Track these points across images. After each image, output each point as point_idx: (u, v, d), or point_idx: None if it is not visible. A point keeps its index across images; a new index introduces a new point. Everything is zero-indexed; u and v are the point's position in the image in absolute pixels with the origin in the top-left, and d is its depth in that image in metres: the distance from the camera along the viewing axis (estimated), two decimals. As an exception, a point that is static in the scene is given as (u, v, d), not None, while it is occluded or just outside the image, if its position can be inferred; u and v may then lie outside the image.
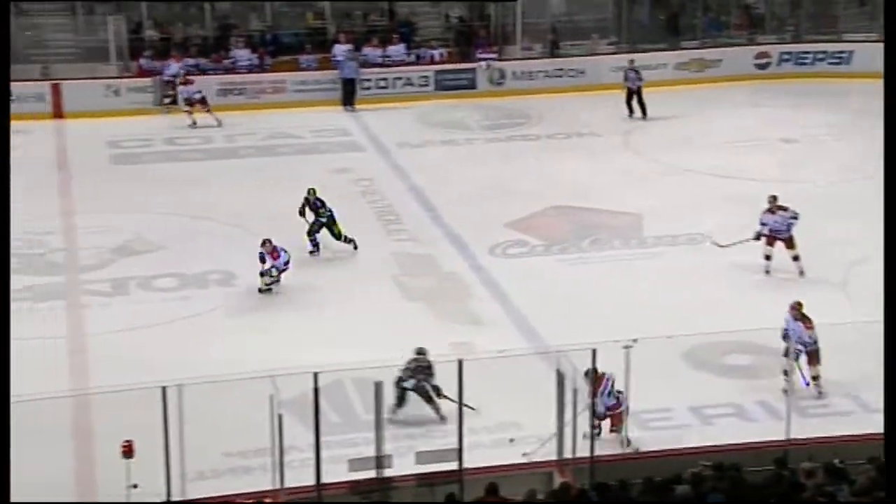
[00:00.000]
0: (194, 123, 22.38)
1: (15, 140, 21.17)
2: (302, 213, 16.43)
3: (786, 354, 12.06)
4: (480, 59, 25.19)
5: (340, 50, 24.61)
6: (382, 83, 24.60)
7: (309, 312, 14.64)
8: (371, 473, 9.40)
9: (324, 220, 16.40)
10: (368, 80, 24.29)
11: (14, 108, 22.47)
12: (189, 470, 9.51)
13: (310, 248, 16.26)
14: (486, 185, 19.34)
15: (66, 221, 17.74)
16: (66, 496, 10.15)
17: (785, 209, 15.41)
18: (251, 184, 19.58)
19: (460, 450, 9.53)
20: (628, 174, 20.02)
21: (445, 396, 11.27)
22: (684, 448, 10.76)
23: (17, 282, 15.38)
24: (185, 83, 22.63)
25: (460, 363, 9.55)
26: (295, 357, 12.29)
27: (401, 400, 11.74)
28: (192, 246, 16.76)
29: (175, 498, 9.12)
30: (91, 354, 13.58)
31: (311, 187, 16.55)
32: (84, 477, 10.64)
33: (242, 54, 24.58)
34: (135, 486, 9.63)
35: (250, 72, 24.39)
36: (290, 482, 9.51)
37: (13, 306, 14.57)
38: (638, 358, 10.36)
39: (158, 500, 9.30)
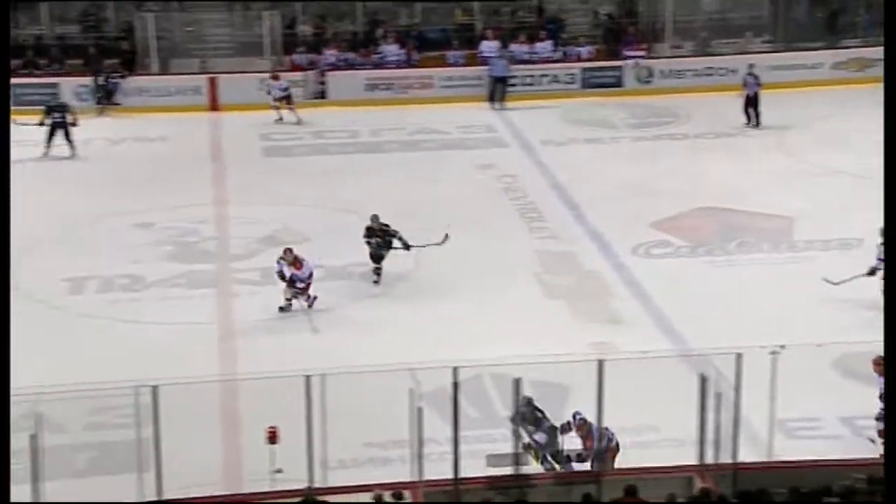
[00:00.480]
0: (280, 119, 22.62)
1: (173, 131, 22.12)
2: (370, 246, 15.41)
3: None
4: (628, 57, 24.88)
5: (487, 46, 24.65)
6: (528, 80, 24.53)
7: (449, 307, 14.70)
8: (509, 470, 9.39)
9: (379, 242, 15.34)
10: (514, 76, 24.26)
11: (174, 100, 23.34)
12: (330, 458, 9.67)
13: (374, 277, 15.45)
14: (630, 184, 19.10)
15: (219, 211, 18.25)
16: (213, 479, 10.44)
17: None
18: (396, 178, 19.79)
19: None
20: (779, 175, 19.48)
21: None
22: (834, 459, 10.41)
23: (172, 269, 15.96)
24: (275, 78, 22.93)
25: (600, 363, 9.45)
26: (435, 351, 12.37)
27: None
28: (337, 238, 17.02)
29: (317, 485, 9.28)
30: (239, 341, 13.95)
31: (374, 213, 15.57)
32: (231, 461, 10.93)
33: (391, 50, 24.84)
34: (279, 472, 9.85)
35: (398, 67, 24.65)
36: (428, 475, 9.57)
37: (169, 292, 15.21)
38: (785, 365, 10.08)
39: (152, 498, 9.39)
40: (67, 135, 20.20)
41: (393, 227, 15.35)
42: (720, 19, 26.27)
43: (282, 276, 14.31)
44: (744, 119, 22.08)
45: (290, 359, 12.71)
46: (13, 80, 22.87)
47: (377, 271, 15.37)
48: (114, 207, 18.14)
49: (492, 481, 9.44)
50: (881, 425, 10.62)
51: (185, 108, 23.12)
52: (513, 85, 24.18)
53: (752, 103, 22.02)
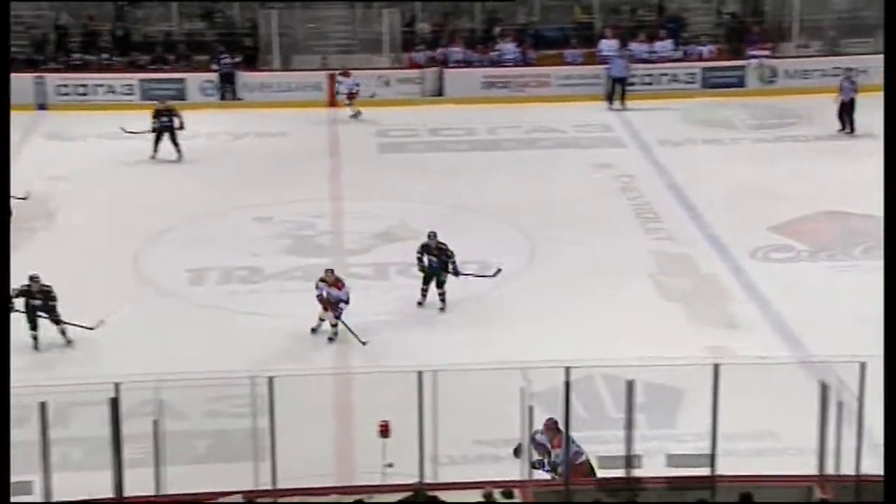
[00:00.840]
0: (358, 114, 22.75)
1: (293, 127, 22.50)
2: (420, 263, 14.61)
3: None
4: (752, 57, 24.40)
5: (606, 45, 24.45)
6: (647, 79, 24.26)
7: (562, 306, 14.63)
8: (620, 472, 9.30)
9: (432, 262, 14.53)
10: (633, 76, 24.02)
11: (294, 96, 23.74)
12: (441, 454, 9.70)
13: (419, 298, 14.71)
14: (750, 187, 18.73)
15: (335, 206, 18.49)
16: (326, 470, 10.57)
17: None
18: (511, 176, 19.77)
19: (713, 455, 9.28)
20: (907, 180, 18.84)
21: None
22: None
23: (289, 262, 16.24)
24: (345, 75, 23.00)
25: (716, 368, 9.28)
26: (547, 350, 12.33)
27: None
28: (452, 235, 17.06)
29: (428, 480, 9.32)
30: (352, 335, 14.10)
31: (431, 231, 14.91)
32: (343, 453, 11.06)
33: (509, 48, 24.84)
34: (390, 466, 9.91)
35: (515, 65, 24.62)
36: (538, 475, 9.54)
37: (286, 285, 15.47)
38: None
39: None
40: (174, 138, 20.16)
41: (450, 248, 14.55)
42: (850, 18, 25.57)
43: (320, 299, 13.70)
44: (838, 125, 21.47)
45: (402, 353, 12.82)
46: (143, 75, 23.67)
47: (424, 293, 14.60)
48: (234, 201, 18.54)
49: (602, 483, 9.36)
50: None
51: (304, 103, 23.49)
52: (631, 84, 23.93)
53: (847, 109, 21.41)
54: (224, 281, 15.63)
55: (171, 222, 17.56)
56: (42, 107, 23.29)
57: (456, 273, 14.46)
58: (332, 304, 13.71)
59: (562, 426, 9.53)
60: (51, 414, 8.94)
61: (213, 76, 23.82)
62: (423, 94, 24.04)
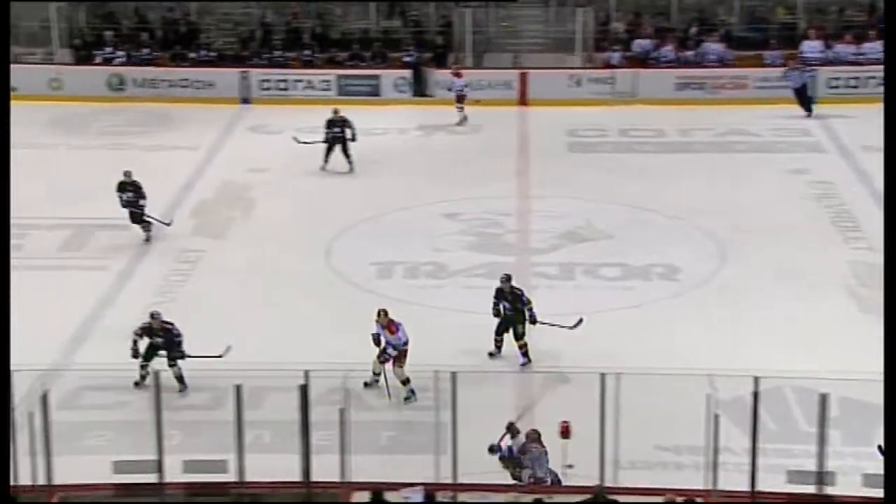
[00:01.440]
0: (464, 120, 22.42)
1: (483, 124, 22.66)
2: (495, 309, 13.29)
3: None
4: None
5: (809, 46, 23.65)
6: (853, 82, 23.33)
7: (751, 314, 14.24)
8: (810, 489, 8.99)
9: (510, 315, 13.20)
10: (837, 78, 23.14)
11: (485, 93, 23.90)
12: (622, 458, 9.61)
13: (492, 349, 13.42)
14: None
15: (522, 204, 18.52)
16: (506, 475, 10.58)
17: None
18: (702, 179, 19.37)
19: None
20: None
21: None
22: None
23: (475, 259, 16.35)
24: (457, 75, 22.73)
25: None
26: (735, 358, 12.03)
27: None
28: (639, 237, 16.88)
29: (608, 484, 9.24)
30: (535, 333, 14.08)
31: (505, 274, 13.56)
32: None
33: (713, 47, 24.31)
34: (570, 467, 9.88)
35: (713, 66, 24.07)
36: (722, 485, 9.32)
37: (471, 282, 15.59)
38: None
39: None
40: (346, 150, 19.68)
41: (527, 294, 13.22)
42: None
43: (376, 341, 12.40)
44: None
45: (585, 355, 12.73)
46: (340, 72, 24.30)
47: (498, 344, 13.27)
48: (423, 196, 18.80)
49: (792, 498, 9.07)
50: None
51: (495, 101, 23.61)
52: (835, 87, 23.06)
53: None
54: (410, 275, 15.87)
55: (361, 215, 17.94)
56: (246, 101, 24.23)
57: (533, 321, 13.04)
58: (382, 350, 12.36)
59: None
60: (245, 397, 9.29)
61: (406, 73, 24.22)
62: (614, 94, 23.80)
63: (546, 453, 10.09)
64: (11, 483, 9.17)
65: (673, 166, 20.23)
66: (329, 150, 19.80)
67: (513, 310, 13.04)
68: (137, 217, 16.60)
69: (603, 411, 9.35)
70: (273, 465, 9.80)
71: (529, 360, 13.07)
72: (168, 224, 16.86)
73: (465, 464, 9.52)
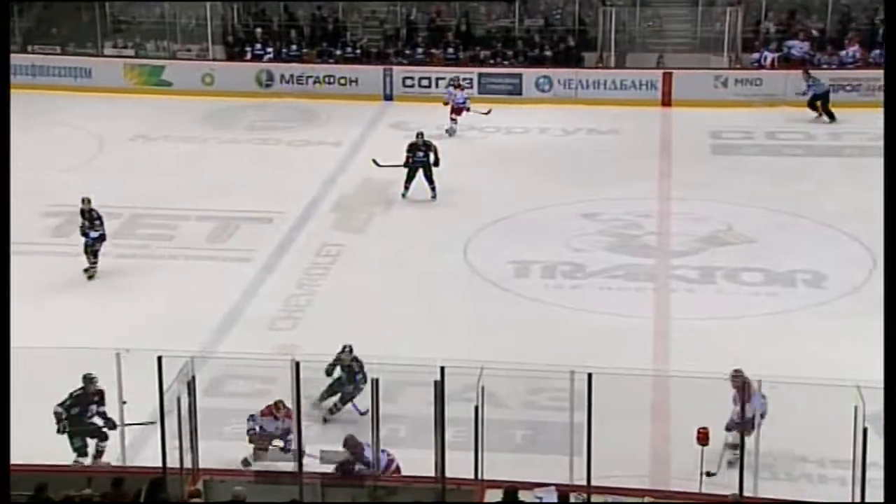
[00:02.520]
0: (452, 131, 21.69)
1: (625, 124, 22.39)
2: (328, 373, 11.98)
3: None
4: None
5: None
6: None
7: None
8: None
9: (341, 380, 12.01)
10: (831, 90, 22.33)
11: (627, 94, 23.62)
12: (762, 467, 9.35)
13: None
14: None
15: (663, 206, 18.21)
16: (640, 470, 10.43)
17: None
18: (852, 184, 18.71)
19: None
20: None
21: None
22: None
23: (613, 260, 16.15)
24: (458, 88, 22.21)
25: None
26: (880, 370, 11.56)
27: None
28: (783, 242, 16.42)
29: (748, 494, 9.01)
30: (673, 337, 13.84)
31: (346, 345, 12.08)
32: (658, 456, 10.87)
33: (850, 52, 23.51)
34: (709, 475, 9.66)
35: (859, 68, 23.24)
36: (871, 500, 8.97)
37: (609, 282, 15.41)
38: None
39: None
40: (429, 175, 18.42)
41: (366, 363, 11.89)
42: None
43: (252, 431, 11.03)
44: None
45: (723, 359, 12.43)
46: (482, 70, 24.33)
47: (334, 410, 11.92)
48: (562, 195, 18.66)
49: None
50: None
51: (637, 101, 23.32)
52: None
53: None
54: (547, 275, 15.76)
55: (499, 213, 17.92)
56: (388, 98, 24.47)
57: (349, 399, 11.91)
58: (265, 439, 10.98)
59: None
60: (381, 391, 9.36)
61: (549, 72, 24.09)
62: (761, 96, 23.21)
63: None
64: (160, 465, 9.46)
65: (822, 170, 19.63)
66: (410, 177, 18.41)
67: (347, 377, 11.93)
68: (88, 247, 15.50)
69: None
70: (407, 458, 9.85)
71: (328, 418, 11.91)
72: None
73: (599, 466, 9.39)
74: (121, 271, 15.77)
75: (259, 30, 25.84)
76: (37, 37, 26.14)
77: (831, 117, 22.00)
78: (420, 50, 25.39)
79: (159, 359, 9.55)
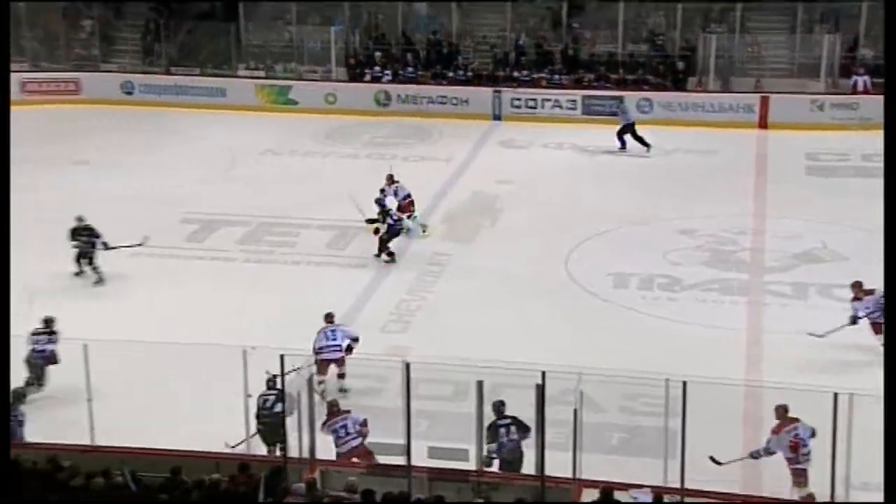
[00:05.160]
0: (419, 229, 17.59)
1: (722, 145, 22.03)
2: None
3: None
4: None
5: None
6: None
7: None
8: None
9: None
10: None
11: (725, 116, 23.24)
12: (853, 478, 9.08)
13: None
14: None
15: (757, 224, 17.85)
16: (732, 477, 10.21)
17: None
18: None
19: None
20: None
21: None
22: None
23: (708, 274, 15.88)
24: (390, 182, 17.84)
25: None
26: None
27: None
28: (877, 261, 15.89)
29: (839, 500, 8.74)
30: (765, 350, 13.55)
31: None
32: (750, 462, 10.60)
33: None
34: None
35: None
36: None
37: (704, 296, 15.16)
38: None
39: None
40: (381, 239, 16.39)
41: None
42: None
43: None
44: None
45: (815, 373, 12.13)
46: (586, 92, 24.21)
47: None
48: (660, 211, 18.45)
49: None
50: None
51: (735, 124, 22.94)
52: None
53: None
54: (645, 287, 15.57)
55: (600, 228, 17.79)
56: (497, 118, 24.51)
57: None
58: None
59: None
60: (485, 392, 9.36)
61: (650, 94, 23.84)
62: (858, 120, 22.58)
63: None
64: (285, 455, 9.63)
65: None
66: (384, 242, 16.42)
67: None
68: (89, 260, 15.57)
69: (835, 430, 8.87)
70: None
71: None
72: (141, 244, 15.71)
73: (692, 469, 9.23)
74: (249, 275, 16.10)
75: (378, 53, 26.17)
76: (180, 60, 26.91)
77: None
78: (527, 73, 25.37)
79: (281, 357, 9.71)
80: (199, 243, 17.21)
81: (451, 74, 25.73)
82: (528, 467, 9.37)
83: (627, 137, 21.73)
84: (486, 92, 24.59)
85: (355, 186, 19.25)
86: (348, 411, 10.63)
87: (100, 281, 15.51)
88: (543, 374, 9.02)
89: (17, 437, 10.48)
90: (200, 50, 26.98)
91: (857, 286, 13.38)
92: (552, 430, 9.29)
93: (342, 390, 12.31)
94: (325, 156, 22.28)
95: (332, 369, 12.38)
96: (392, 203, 16.98)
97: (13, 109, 25.07)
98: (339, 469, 9.82)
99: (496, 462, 9.95)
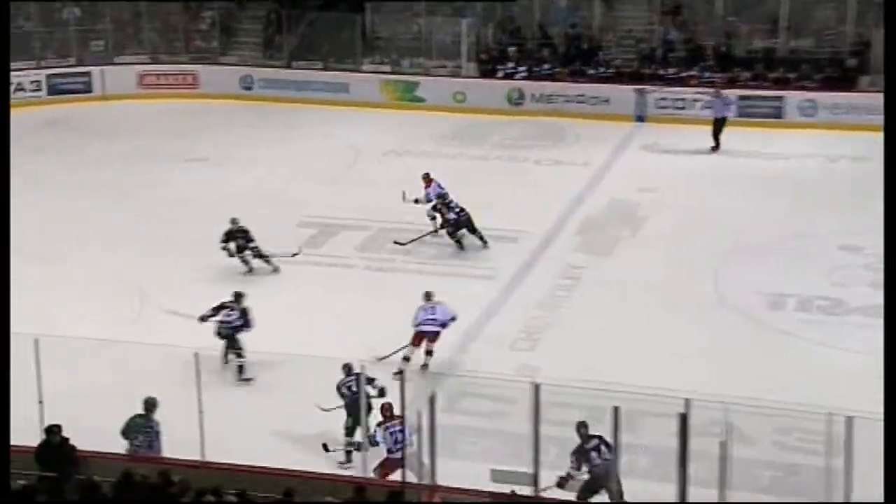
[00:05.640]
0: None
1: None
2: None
3: None
4: None
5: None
6: None
7: None
8: None
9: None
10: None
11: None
12: None
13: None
14: None
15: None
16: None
17: None
18: None
19: None
20: None
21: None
22: None
23: (876, 297, 15.21)
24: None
25: None
26: None
27: None
28: None
29: None
30: None
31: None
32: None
33: None
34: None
35: None
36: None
37: (869, 321, 14.59)
38: None
39: None
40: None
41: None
42: None
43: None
44: None
45: None
46: (742, 92, 23.70)
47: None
48: (823, 225, 17.92)
49: None
50: None
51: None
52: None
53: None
54: (803, 309, 15.12)
55: (751, 241, 17.37)
56: (640, 119, 24.22)
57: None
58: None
59: None
60: (622, 419, 9.17)
61: (814, 95, 23.20)
62: None
63: None
64: (400, 479, 9.64)
65: None
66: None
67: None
68: (252, 255, 16.29)
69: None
70: (648, 491, 9.62)
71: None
72: (297, 253, 16.59)
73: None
74: (368, 283, 16.24)
75: (512, 48, 26.15)
76: (301, 53, 27.42)
77: None
78: (675, 70, 24.99)
79: (401, 372, 9.72)
80: (317, 248, 17.45)
81: (591, 71, 25.54)
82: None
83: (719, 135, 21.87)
84: (629, 91, 24.33)
85: (484, 191, 19.31)
86: (402, 417, 10.53)
87: (250, 271, 16.31)
88: (687, 401, 8.79)
89: (154, 450, 10.69)
90: (323, 43, 27.47)
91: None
92: (696, 465, 9.04)
93: (424, 366, 13.07)
94: (453, 158, 22.36)
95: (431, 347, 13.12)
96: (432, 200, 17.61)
97: (130, 103, 26.36)
98: (461, 497, 9.76)
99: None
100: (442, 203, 17.35)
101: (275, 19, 27.80)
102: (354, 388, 11.18)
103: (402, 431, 10.76)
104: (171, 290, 15.55)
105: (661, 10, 25.89)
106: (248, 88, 26.93)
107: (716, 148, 21.87)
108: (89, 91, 26.60)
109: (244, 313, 13.41)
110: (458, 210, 17.25)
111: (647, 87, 24.34)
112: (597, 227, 18.36)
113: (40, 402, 10.64)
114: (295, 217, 18.59)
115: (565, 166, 21.62)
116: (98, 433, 10.65)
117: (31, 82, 26.23)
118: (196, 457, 10.42)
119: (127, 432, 10.77)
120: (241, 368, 13.06)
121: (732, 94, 23.14)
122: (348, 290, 15.88)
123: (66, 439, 10.12)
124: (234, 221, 16.37)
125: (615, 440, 9.24)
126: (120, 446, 10.80)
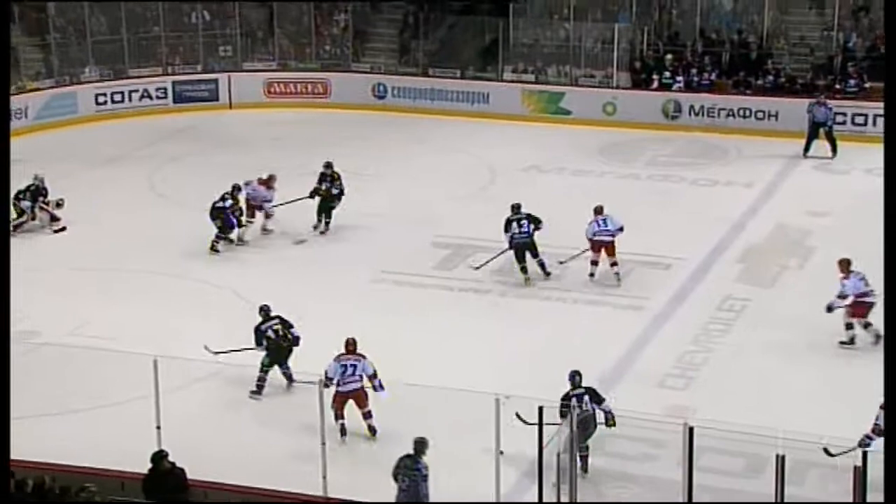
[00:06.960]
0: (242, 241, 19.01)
1: None
2: None
3: None
4: None
5: None
6: None
7: None
8: None
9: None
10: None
11: None
12: None
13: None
14: None
15: None
16: None
17: None
18: None
19: None
20: None
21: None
22: None
23: None
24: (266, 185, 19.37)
25: None
26: None
27: None
28: None
29: None
30: None
31: None
32: None
33: None
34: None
35: None
36: None
37: None
38: None
39: None
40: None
41: None
42: None
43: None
44: None
45: None
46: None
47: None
48: None
49: None
50: None
51: None
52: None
53: None
54: None
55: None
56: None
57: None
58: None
59: None
60: (787, 470, 9.01)
61: None
62: None
63: None
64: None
65: None
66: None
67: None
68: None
69: None
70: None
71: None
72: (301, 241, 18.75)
73: None
74: (500, 310, 16.29)
75: (669, 56, 25.95)
76: (438, 60, 27.68)
77: None
78: (853, 82, 24.45)
79: (540, 409, 9.72)
80: (448, 271, 17.59)
81: (756, 82, 25.18)
82: None
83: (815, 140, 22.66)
84: (801, 104, 23.84)
85: (634, 213, 19.17)
86: (363, 356, 12.47)
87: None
88: (864, 455, 8.59)
89: (421, 496, 10.53)
90: (462, 49, 27.72)
91: (844, 264, 15.00)
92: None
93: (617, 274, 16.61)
94: (600, 175, 22.31)
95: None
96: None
97: (253, 112, 27.02)
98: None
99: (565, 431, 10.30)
100: (510, 219, 17.15)
101: (412, 23, 28.16)
102: (281, 332, 13.44)
103: (353, 365, 12.29)
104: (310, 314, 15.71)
105: (848, 7, 25.38)
106: (381, 98, 27.37)
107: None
108: (215, 99, 27.42)
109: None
110: (516, 231, 16.97)
111: (823, 101, 23.83)
112: (760, 255, 18.06)
113: (158, 427, 11.03)
114: (428, 237, 18.78)
115: (725, 187, 21.36)
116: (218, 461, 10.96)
117: (157, 89, 27.17)
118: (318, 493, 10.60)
119: (395, 474, 10.67)
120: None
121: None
122: (481, 317, 15.96)
123: (175, 466, 10.40)
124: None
125: (778, 493, 9.05)
126: (239, 477, 11.08)
